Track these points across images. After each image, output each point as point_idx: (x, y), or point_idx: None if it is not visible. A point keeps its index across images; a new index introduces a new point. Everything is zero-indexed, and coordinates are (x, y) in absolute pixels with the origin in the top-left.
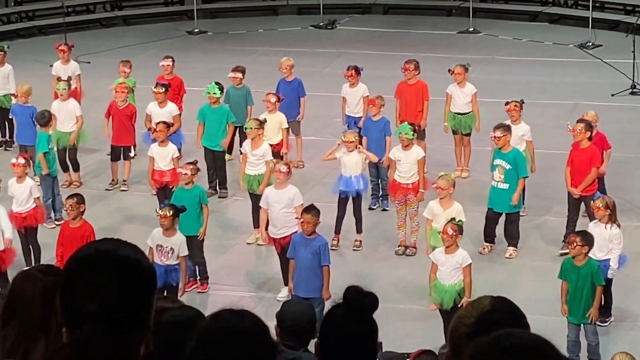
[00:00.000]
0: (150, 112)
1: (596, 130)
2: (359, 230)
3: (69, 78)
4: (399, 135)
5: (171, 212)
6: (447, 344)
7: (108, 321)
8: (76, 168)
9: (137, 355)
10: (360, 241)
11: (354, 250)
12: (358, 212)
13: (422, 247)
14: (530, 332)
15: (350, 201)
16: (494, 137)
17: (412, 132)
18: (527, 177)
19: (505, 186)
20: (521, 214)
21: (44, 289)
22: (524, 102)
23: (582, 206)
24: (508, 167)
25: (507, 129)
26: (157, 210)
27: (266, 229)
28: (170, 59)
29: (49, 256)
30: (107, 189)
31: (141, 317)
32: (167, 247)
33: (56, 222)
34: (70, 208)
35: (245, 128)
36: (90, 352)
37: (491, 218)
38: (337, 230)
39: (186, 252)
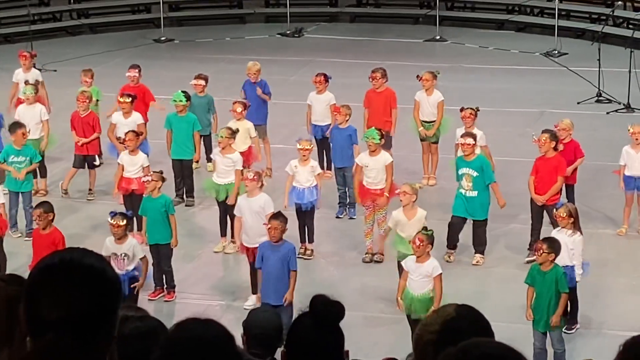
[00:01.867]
0: (115, 122)
1: (570, 138)
2: (310, 239)
3: (37, 82)
4: (366, 140)
5: (124, 220)
6: (413, 352)
7: (71, 329)
8: (44, 174)
9: None
10: (312, 250)
11: (305, 258)
12: (310, 221)
13: (389, 254)
14: (499, 342)
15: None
16: (465, 144)
17: (379, 137)
18: (496, 181)
19: (474, 193)
20: None
21: (8, 299)
22: (479, 110)
23: (546, 215)
24: (475, 174)
25: (475, 137)
26: (109, 220)
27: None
28: (137, 69)
29: (14, 265)
30: (63, 195)
31: (105, 326)
32: (121, 255)
33: (27, 237)
34: (38, 218)
35: (218, 136)
36: (54, 359)
37: (456, 225)
38: (302, 240)
39: (142, 254)
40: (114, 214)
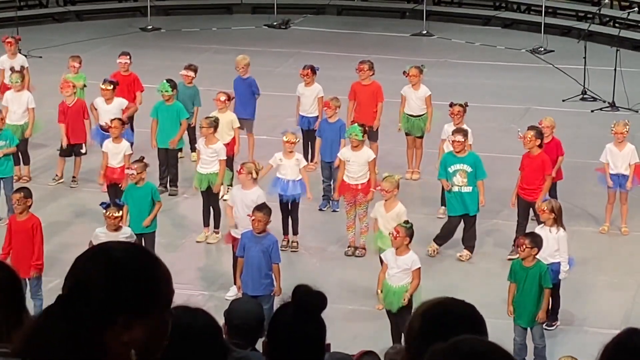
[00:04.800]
0: (97, 107)
1: (552, 136)
2: (295, 231)
3: (22, 68)
4: (349, 136)
5: (119, 211)
6: (404, 341)
7: (70, 301)
8: (27, 161)
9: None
10: (297, 242)
11: (291, 251)
12: (295, 213)
13: (371, 248)
14: (488, 340)
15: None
16: (455, 141)
17: (361, 134)
18: (486, 177)
19: (469, 189)
20: (439, 216)
21: None
22: (467, 105)
23: (531, 211)
24: (470, 170)
25: (466, 133)
26: (103, 212)
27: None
28: (128, 56)
29: None
30: (49, 184)
31: (105, 313)
32: None
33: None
34: (17, 202)
35: (200, 127)
36: (45, 325)
37: (454, 224)
38: (285, 232)
39: (134, 237)
40: (106, 205)
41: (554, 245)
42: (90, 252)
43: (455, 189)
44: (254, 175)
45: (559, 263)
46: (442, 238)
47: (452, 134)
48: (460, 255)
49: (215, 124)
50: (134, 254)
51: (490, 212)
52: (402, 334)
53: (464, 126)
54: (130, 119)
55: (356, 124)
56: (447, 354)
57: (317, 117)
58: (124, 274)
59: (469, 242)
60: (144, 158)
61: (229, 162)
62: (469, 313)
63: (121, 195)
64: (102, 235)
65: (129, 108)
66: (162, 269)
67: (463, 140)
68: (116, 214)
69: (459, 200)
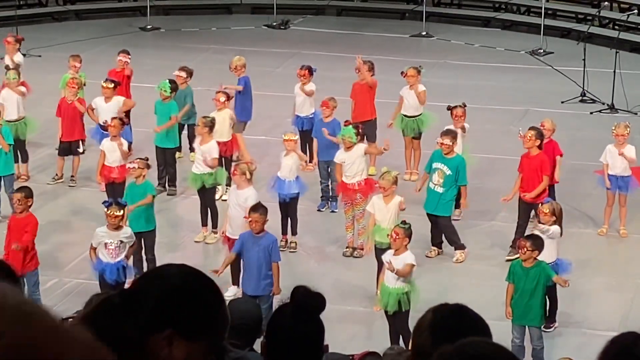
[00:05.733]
0: (95, 106)
1: (549, 138)
2: (294, 232)
3: (17, 65)
4: (342, 138)
5: (120, 210)
6: (412, 339)
7: (122, 303)
8: (25, 158)
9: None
10: (296, 242)
11: (290, 252)
12: (292, 213)
13: (368, 250)
14: (495, 343)
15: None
16: (442, 143)
17: (355, 136)
18: (467, 184)
19: (441, 190)
20: (455, 218)
21: None
22: (465, 105)
23: (532, 212)
24: (449, 172)
25: (455, 136)
26: (105, 210)
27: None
28: (126, 54)
29: None
30: (48, 183)
31: (151, 321)
32: (115, 242)
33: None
34: (18, 202)
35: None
36: (98, 312)
37: (431, 221)
38: (284, 232)
39: (134, 238)
40: (108, 204)
41: (550, 243)
42: (158, 267)
43: (431, 185)
44: (248, 175)
45: (556, 263)
46: (432, 237)
47: (440, 136)
48: (456, 260)
49: (211, 124)
50: (198, 281)
51: (488, 213)
52: (400, 336)
53: (466, 124)
54: (127, 116)
55: (350, 127)
56: (455, 356)
57: (312, 117)
58: (175, 291)
59: (453, 243)
60: (147, 158)
61: (227, 163)
62: (479, 321)
63: (119, 194)
64: (102, 234)
65: (126, 104)
66: (220, 307)
67: (450, 143)
68: (117, 213)
69: (431, 198)
